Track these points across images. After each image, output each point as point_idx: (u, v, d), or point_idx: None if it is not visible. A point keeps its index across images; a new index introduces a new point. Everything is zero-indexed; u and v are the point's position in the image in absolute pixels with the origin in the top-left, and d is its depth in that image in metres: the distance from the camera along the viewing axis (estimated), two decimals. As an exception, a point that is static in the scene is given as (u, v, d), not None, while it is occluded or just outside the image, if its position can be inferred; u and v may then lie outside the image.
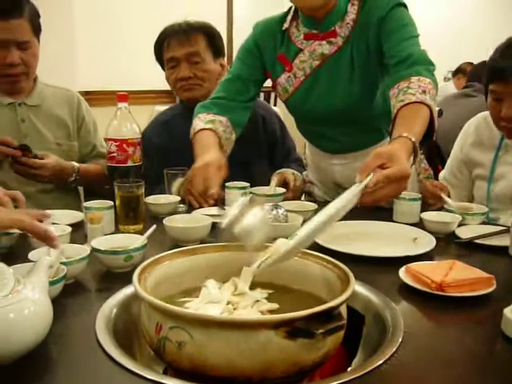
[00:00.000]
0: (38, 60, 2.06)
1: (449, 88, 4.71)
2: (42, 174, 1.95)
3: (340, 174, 2.00)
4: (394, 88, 1.59)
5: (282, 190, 1.97)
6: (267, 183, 2.01)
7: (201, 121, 1.82)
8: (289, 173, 2.10)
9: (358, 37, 1.76)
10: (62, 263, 1.19)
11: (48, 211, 1.41)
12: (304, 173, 2.24)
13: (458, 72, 5.26)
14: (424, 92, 1.50)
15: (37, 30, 2.02)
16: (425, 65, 1.61)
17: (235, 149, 2.03)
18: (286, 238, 1.47)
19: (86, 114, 2.26)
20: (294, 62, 1.82)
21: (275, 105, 4.84)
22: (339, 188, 2.03)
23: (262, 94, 5.17)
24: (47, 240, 1.13)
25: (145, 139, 2.29)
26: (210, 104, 1.89)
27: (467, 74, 4.51)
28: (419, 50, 1.65)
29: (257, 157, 2.27)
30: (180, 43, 2.14)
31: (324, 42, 1.79)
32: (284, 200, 1.88)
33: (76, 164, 2.08)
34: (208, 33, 2.20)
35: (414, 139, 1.35)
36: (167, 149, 2.22)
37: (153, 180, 2.03)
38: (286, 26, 1.85)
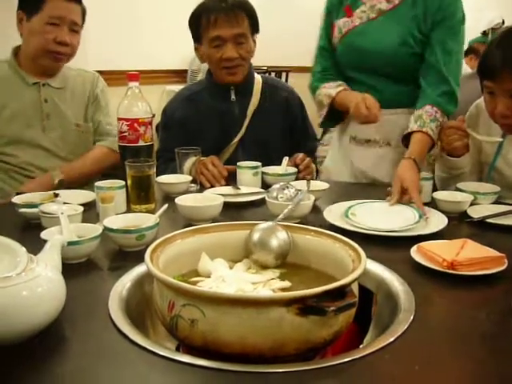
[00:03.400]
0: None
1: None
2: None
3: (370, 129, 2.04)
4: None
5: (294, 169, 1.96)
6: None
7: (330, 87, 2.02)
8: (300, 154, 2.09)
9: (411, 2, 1.94)
10: (74, 242, 1.20)
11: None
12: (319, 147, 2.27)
13: (469, 52, 5.16)
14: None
15: (83, 23, 2.15)
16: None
17: (254, 126, 2.02)
18: (296, 218, 1.49)
19: (100, 93, 2.29)
20: (356, 12, 2.01)
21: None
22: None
23: (273, 74, 5.15)
24: None
25: (166, 113, 2.29)
26: (322, 78, 2.09)
27: (479, 54, 4.41)
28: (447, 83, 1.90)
29: (275, 136, 2.25)
30: (229, 23, 2.07)
31: (383, 0, 1.97)
32: (296, 180, 1.88)
33: (56, 174, 2.05)
34: (249, 11, 2.15)
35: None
36: (190, 123, 2.20)
37: (170, 155, 2.03)
38: None
